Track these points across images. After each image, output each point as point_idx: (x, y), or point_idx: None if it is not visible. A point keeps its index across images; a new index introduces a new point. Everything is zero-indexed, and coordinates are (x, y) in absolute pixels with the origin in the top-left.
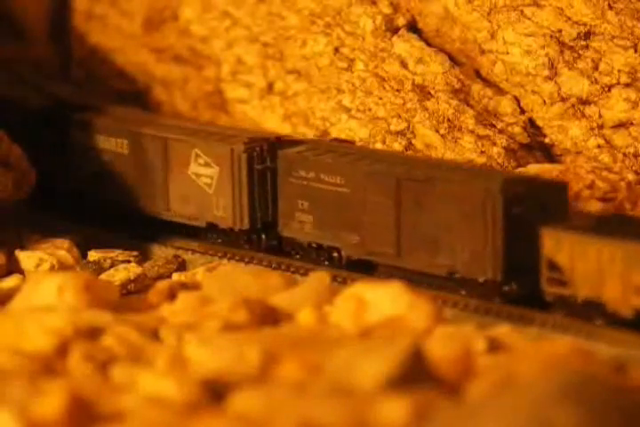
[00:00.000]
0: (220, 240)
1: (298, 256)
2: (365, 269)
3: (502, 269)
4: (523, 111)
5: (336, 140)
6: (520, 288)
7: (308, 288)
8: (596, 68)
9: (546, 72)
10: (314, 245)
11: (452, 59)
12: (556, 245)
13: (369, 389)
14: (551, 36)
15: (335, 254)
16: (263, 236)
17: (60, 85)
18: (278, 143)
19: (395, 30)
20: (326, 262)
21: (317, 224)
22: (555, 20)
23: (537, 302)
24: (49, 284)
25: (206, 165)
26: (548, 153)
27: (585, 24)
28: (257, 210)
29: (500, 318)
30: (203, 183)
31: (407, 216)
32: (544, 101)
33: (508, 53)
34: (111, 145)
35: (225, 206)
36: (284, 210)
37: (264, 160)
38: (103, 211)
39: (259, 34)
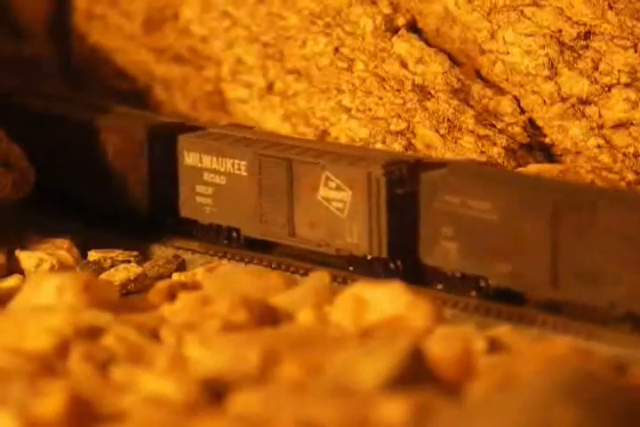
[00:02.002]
0: (351, 268)
1: (440, 286)
2: (514, 300)
3: None
4: (523, 111)
5: (478, 162)
6: None
7: (307, 288)
8: (596, 68)
9: (546, 72)
10: (458, 275)
11: (452, 59)
12: None
13: (369, 389)
14: (551, 36)
15: (482, 284)
16: (400, 264)
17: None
18: (419, 165)
19: (395, 30)
20: (473, 293)
21: (463, 252)
22: (555, 20)
23: None
24: (49, 284)
25: (338, 188)
26: (548, 153)
27: (585, 24)
28: (396, 237)
29: (500, 318)
30: (334, 208)
31: (564, 245)
32: (544, 101)
33: (508, 53)
34: (227, 167)
35: (360, 233)
36: (426, 237)
37: (404, 184)
38: (224, 237)
39: (259, 34)
